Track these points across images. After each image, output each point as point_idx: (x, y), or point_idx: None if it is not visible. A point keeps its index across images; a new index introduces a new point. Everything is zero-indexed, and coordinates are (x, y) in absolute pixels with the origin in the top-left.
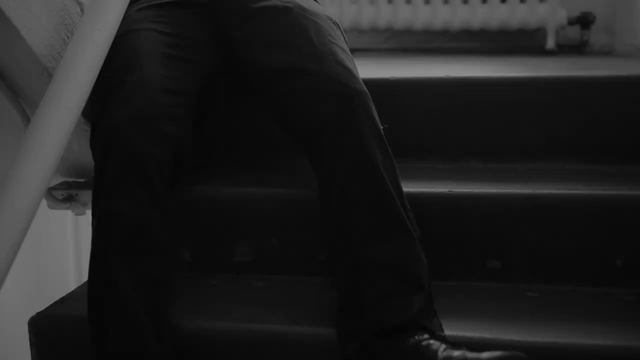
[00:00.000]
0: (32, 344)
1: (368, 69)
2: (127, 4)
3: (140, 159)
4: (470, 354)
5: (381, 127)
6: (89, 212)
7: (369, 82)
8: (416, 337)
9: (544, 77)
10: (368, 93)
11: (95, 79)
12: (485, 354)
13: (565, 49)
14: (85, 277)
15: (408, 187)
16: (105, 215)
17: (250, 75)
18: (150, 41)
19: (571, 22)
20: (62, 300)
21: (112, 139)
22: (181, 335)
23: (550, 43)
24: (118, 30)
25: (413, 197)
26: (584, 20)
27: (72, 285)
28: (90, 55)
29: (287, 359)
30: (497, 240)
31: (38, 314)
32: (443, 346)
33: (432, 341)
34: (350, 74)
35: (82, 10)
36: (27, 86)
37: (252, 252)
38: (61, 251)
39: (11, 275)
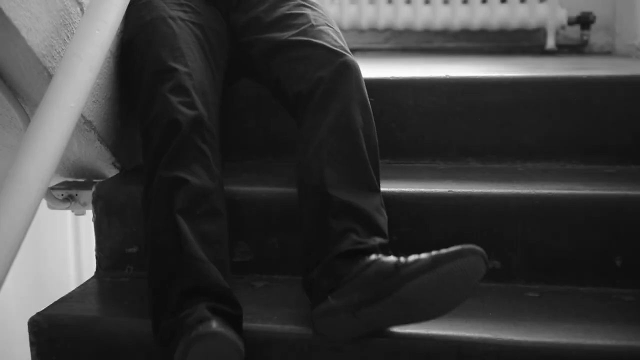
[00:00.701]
0: (32, 344)
1: (368, 69)
2: (127, 4)
3: (196, 133)
4: (425, 255)
5: (368, 99)
6: (89, 212)
7: (368, 82)
8: (374, 256)
9: (544, 77)
10: (359, 68)
11: (95, 79)
12: (442, 251)
13: (565, 49)
14: (85, 277)
15: (408, 187)
16: (169, 182)
17: (251, 56)
18: (185, 32)
19: (571, 22)
20: (62, 300)
21: (171, 118)
22: None
23: (550, 43)
24: (149, 14)
25: (413, 197)
26: (584, 20)
27: (72, 285)
28: (90, 55)
29: (287, 359)
30: (497, 240)
31: (38, 314)
32: (401, 258)
33: (390, 257)
34: (345, 49)
35: (82, 10)
36: (27, 86)
37: (252, 252)
38: (61, 251)
39: (11, 275)
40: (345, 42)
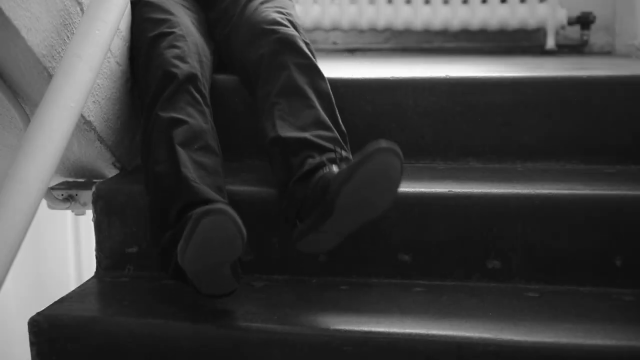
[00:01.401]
0: (32, 344)
1: (368, 69)
2: (127, 4)
3: (190, 84)
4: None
5: (312, 58)
6: (89, 212)
7: (368, 82)
8: (320, 172)
9: (544, 77)
10: (295, 35)
11: (95, 79)
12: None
13: (565, 49)
14: (85, 277)
15: (408, 187)
16: (167, 121)
17: (221, 50)
18: (183, 13)
19: (571, 22)
20: (62, 300)
21: (168, 68)
22: (180, 335)
23: (550, 43)
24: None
25: (413, 197)
26: (584, 20)
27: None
28: (90, 55)
29: (287, 359)
30: (497, 240)
31: (38, 314)
32: (334, 167)
33: (333, 168)
34: (280, 24)
35: (82, 10)
36: (27, 86)
37: (252, 252)
38: (61, 251)
39: (11, 275)
40: (292, 18)
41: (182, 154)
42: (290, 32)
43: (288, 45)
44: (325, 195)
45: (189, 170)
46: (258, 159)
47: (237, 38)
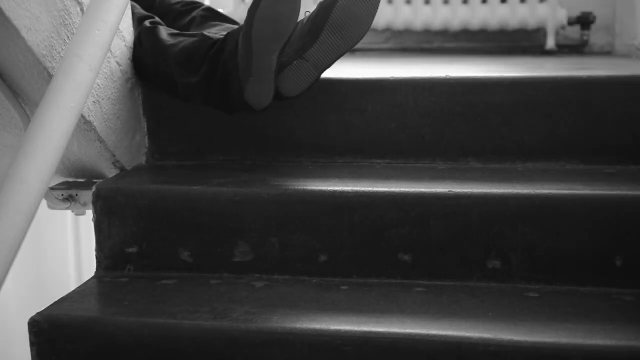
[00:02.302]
0: (32, 344)
1: (368, 69)
2: (127, 3)
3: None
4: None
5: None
6: (89, 212)
7: (368, 82)
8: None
9: (544, 77)
10: (210, 7)
11: (95, 79)
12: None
13: (565, 49)
14: (85, 277)
15: (408, 187)
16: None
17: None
18: None
19: (571, 22)
20: (62, 300)
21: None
22: (180, 335)
23: (550, 43)
24: None
25: (413, 197)
26: (584, 20)
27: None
28: (90, 55)
29: (287, 359)
30: (497, 240)
31: (38, 314)
32: None
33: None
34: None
35: (82, 10)
36: (27, 86)
37: (252, 252)
38: (61, 251)
39: (11, 275)
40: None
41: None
42: (206, 5)
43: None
44: (314, 20)
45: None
46: (258, 159)
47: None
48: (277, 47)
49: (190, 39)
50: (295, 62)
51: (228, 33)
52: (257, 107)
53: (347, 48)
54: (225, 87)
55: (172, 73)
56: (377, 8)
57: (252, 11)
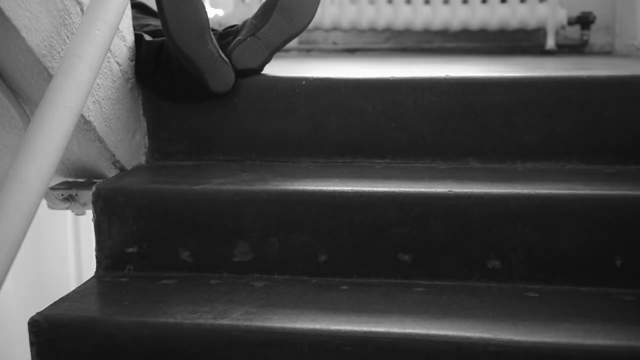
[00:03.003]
0: (32, 344)
1: (368, 69)
2: (127, 3)
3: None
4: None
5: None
6: (89, 212)
7: (368, 82)
8: None
9: (544, 77)
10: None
11: (95, 79)
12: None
13: (565, 49)
14: (85, 277)
15: (408, 187)
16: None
17: None
18: None
19: (571, 22)
20: (62, 300)
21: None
22: (180, 335)
23: (550, 43)
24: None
25: (413, 197)
26: (584, 20)
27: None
28: (90, 55)
29: (287, 359)
30: (497, 240)
31: (38, 314)
32: None
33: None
34: None
35: (82, 10)
36: (27, 86)
37: (252, 252)
38: (61, 251)
39: (11, 275)
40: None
41: None
42: None
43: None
44: (266, 3)
45: None
46: (258, 159)
47: None
48: (204, 38)
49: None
50: (248, 38)
51: (166, 44)
52: (225, 90)
53: (295, 32)
54: (188, 88)
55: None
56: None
57: (165, 28)
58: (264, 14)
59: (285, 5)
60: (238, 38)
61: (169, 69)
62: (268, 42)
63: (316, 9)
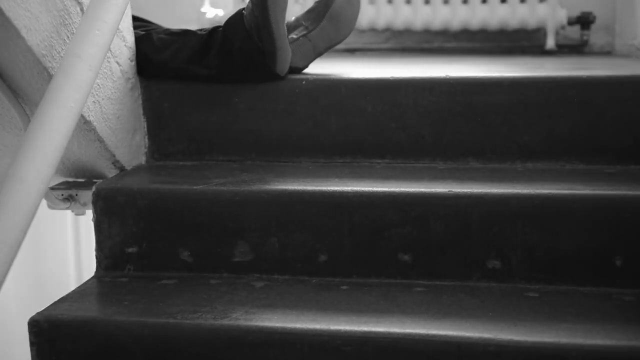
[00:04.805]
0: (32, 344)
1: (368, 69)
2: (127, 3)
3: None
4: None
5: None
6: (89, 212)
7: (368, 82)
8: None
9: (544, 77)
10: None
11: (95, 79)
12: None
13: (565, 49)
14: (85, 277)
15: (408, 187)
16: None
17: None
18: None
19: (571, 22)
20: (62, 300)
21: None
22: (180, 335)
23: (550, 43)
24: None
25: (413, 197)
26: (584, 20)
27: (72, 285)
28: (90, 55)
29: (287, 359)
30: (497, 240)
31: (38, 314)
32: None
33: None
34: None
35: (82, 10)
36: (27, 86)
37: (252, 252)
38: (61, 251)
39: (11, 275)
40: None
41: None
42: None
43: None
44: (318, 9)
45: None
46: (258, 159)
47: None
48: (284, 16)
49: (182, 38)
50: (301, 38)
51: (226, 24)
52: (283, 72)
53: (339, 40)
54: (249, 67)
55: (181, 69)
56: (358, 12)
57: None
58: (315, 18)
59: (335, 14)
60: (290, 36)
61: (226, 50)
62: (316, 45)
63: (356, 21)
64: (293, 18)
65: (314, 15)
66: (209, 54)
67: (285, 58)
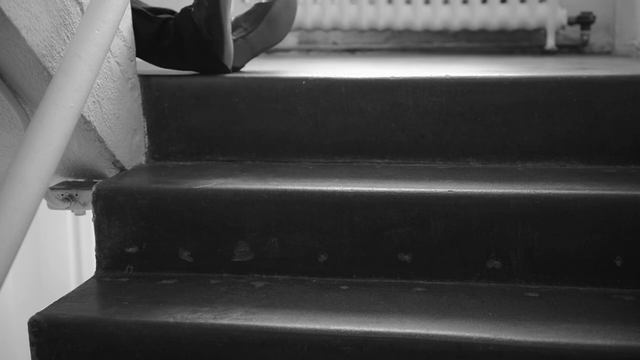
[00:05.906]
0: (32, 344)
1: (368, 69)
2: (127, 3)
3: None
4: None
5: None
6: (89, 212)
7: (368, 82)
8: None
9: (544, 77)
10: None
11: (95, 79)
12: None
13: (565, 49)
14: (85, 277)
15: (408, 187)
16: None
17: None
18: None
19: (571, 22)
20: (62, 300)
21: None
22: (180, 335)
23: (550, 43)
24: None
25: (413, 197)
26: (584, 20)
27: (72, 285)
28: (90, 55)
29: (287, 359)
30: (497, 240)
31: (38, 314)
32: None
33: None
34: None
35: (82, 10)
36: (27, 86)
37: (252, 252)
38: (61, 251)
39: (11, 275)
40: None
41: None
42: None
43: None
44: (257, 11)
45: None
46: (258, 159)
47: None
48: (229, 11)
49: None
50: (239, 40)
51: (176, 19)
52: (229, 64)
53: (274, 42)
54: (197, 57)
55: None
56: (294, 16)
57: None
58: (254, 21)
59: (273, 17)
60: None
61: (180, 39)
62: (253, 47)
63: (291, 25)
64: (233, 18)
65: (253, 18)
66: (162, 42)
67: (230, 51)
